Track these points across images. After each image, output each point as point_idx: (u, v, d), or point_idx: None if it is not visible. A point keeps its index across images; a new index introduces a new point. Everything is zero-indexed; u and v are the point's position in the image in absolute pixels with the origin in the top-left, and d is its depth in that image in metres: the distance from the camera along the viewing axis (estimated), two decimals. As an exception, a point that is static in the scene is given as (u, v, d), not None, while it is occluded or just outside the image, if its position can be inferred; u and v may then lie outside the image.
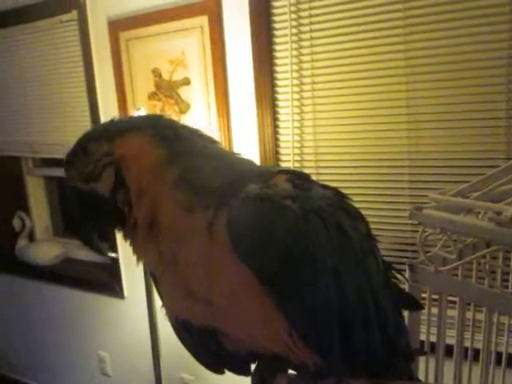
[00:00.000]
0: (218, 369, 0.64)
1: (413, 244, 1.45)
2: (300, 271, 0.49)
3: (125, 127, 0.57)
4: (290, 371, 0.59)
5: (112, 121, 0.60)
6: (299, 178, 0.55)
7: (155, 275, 0.60)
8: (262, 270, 0.48)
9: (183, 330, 0.59)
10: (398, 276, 0.66)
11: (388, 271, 0.63)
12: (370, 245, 0.58)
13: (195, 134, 0.59)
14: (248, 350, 0.57)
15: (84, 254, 2.49)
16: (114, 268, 2.17)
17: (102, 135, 0.56)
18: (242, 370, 0.62)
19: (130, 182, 0.54)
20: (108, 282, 2.22)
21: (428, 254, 0.71)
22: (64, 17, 2.00)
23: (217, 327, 0.55)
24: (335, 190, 0.57)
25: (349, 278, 0.52)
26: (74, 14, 1.98)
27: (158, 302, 1.80)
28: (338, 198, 0.56)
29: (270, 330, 0.51)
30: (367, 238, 0.58)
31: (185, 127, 0.59)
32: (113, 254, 1.71)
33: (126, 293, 2.19)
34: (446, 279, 0.69)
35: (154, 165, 0.53)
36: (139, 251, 0.57)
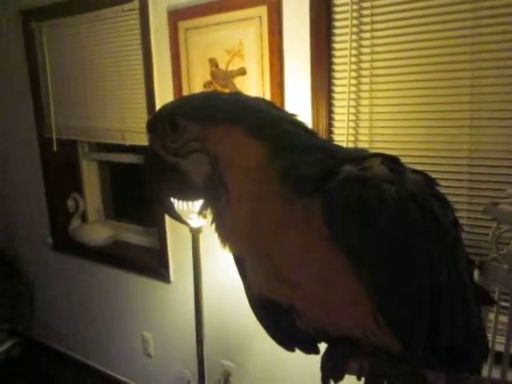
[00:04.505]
0: (288, 346, 0.64)
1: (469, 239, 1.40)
2: (395, 255, 0.48)
3: (217, 114, 0.54)
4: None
5: (198, 97, 0.58)
6: (392, 162, 0.54)
7: (239, 256, 0.60)
8: (357, 251, 0.47)
9: (261, 307, 0.60)
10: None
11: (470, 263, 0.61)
12: (458, 233, 0.57)
13: (291, 122, 0.56)
14: (318, 330, 0.58)
15: (133, 238, 2.58)
16: (161, 253, 2.22)
17: (192, 114, 0.55)
18: (309, 349, 0.63)
19: (230, 182, 0.52)
20: (155, 266, 2.28)
21: (501, 252, 0.68)
22: (126, 6, 2.06)
23: (296, 306, 0.55)
24: (425, 175, 0.56)
25: (440, 265, 0.51)
26: (136, 3, 2.03)
27: (204, 289, 1.84)
28: (428, 184, 0.55)
29: (354, 312, 0.51)
30: (455, 226, 0.56)
31: (279, 113, 0.57)
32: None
33: (172, 278, 2.24)
34: (521, 278, 0.67)
35: (257, 165, 0.51)
36: (227, 239, 0.56)
